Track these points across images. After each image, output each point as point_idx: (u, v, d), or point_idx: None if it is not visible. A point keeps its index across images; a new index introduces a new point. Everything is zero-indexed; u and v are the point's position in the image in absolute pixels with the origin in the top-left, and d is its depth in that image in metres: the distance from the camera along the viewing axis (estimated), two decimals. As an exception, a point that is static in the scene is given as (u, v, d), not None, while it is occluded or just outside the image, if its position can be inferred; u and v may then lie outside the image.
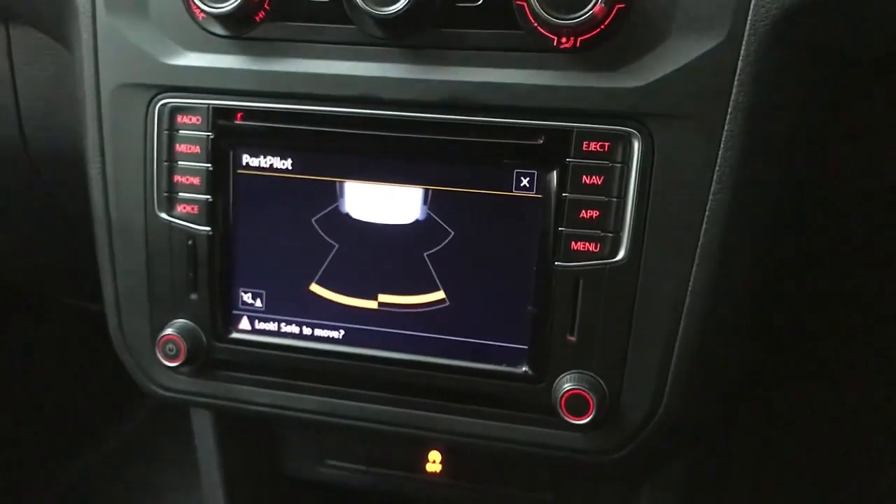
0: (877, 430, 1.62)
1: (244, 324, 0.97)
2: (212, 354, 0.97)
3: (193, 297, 0.96)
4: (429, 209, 0.89)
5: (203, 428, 1.21)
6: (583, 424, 0.85)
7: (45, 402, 1.93)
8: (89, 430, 2.00)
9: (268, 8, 0.87)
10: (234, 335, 0.97)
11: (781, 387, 1.64)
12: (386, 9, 0.80)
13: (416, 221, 0.89)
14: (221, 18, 0.86)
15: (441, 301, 0.91)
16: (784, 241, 1.01)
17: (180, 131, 0.92)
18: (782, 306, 1.36)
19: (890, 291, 1.37)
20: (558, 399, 0.86)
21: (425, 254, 0.90)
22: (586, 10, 0.76)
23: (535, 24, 0.79)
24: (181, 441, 1.27)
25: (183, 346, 0.95)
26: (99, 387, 1.86)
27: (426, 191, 0.88)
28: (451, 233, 0.89)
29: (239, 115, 0.90)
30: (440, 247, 0.89)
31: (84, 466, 1.94)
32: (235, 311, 0.97)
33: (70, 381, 1.97)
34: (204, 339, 0.97)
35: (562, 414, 0.86)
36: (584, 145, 0.82)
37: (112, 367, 1.09)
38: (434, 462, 1.18)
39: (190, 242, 0.94)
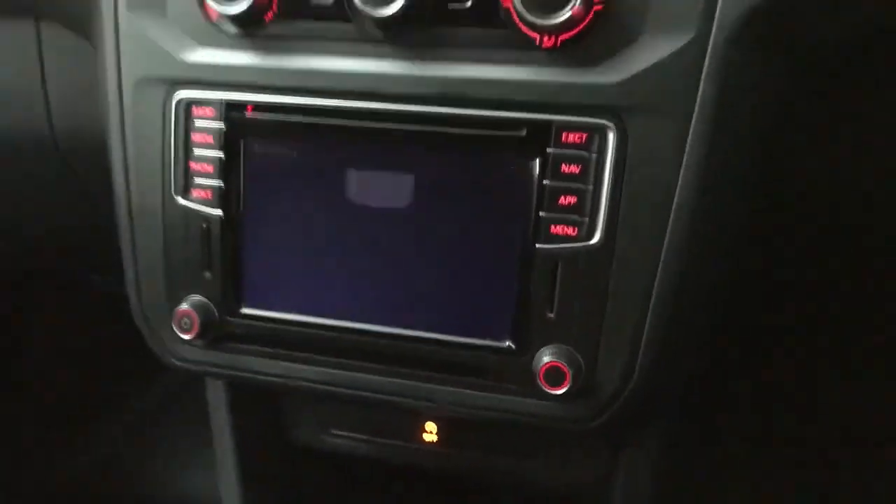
0: (877, 409, 1.65)
1: (253, 300, 1.04)
2: (224, 328, 1.05)
3: (207, 275, 1.03)
4: (422, 194, 0.95)
5: (217, 398, 1.29)
6: (560, 394, 0.92)
7: (68, 376, 2.03)
8: (111, 401, 2.10)
9: (275, 10, 0.93)
10: (244, 310, 1.04)
11: (774, 367, 1.68)
12: (382, 10, 0.87)
13: (410, 205, 0.96)
14: (233, 18, 0.93)
15: (432, 280, 0.97)
16: (757, 229, 1.06)
17: (196, 122, 0.99)
18: (770, 290, 1.41)
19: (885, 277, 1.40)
20: (537, 371, 0.93)
21: (418, 235, 0.96)
22: (565, 11, 0.82)
23: (520, 24, 0.85)
24: (197, 410, 1.35)
25: (196, 320, 1.02)
26: (118, 362, 1.95)
27: (420, 177, 0.95)
28: (441, 216, 0.95)
29: (250, 108, 0.97)
30: (432, 229, 0.96)
31: (107, 433, 2.04)
32: (245, 289, 1.04)
33: (92, 357, 2.06)
34: (216, 314, 1.04)
35: (540, 384, 0.93)
36: (563, 136, 0.88)
37: (132, 345, 1.17)
38: (430, 432, 1.25)
39: (204, 225, 1.01)
